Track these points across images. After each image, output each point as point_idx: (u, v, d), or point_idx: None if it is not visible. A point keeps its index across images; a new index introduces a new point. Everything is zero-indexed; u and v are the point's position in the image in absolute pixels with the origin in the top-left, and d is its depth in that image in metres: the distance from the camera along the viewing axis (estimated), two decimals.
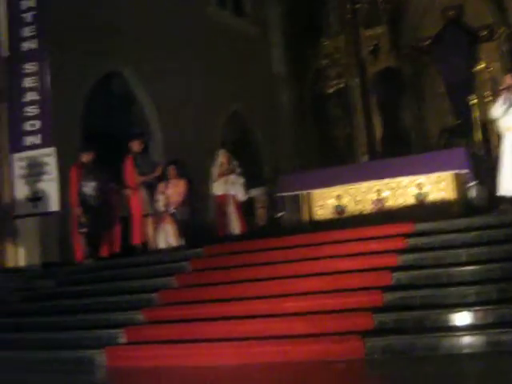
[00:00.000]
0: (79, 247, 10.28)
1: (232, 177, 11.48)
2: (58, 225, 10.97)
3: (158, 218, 10.74)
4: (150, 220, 10.81)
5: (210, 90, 15.22)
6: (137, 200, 10.90)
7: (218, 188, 11.54)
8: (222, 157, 11.73)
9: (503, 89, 9.43)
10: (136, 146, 11.14)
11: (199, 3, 15.82)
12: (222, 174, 11.54)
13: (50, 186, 10.51)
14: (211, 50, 15.62)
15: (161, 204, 10.84)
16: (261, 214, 13.22)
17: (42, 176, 10.56)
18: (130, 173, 10.93)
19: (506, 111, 9.25)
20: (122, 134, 12.73)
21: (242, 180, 11.50)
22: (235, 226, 11.44)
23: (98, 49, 12.37)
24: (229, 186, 11.46)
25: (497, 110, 9.42)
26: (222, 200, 11.52)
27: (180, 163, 11.19)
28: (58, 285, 9.74)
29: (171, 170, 10.98)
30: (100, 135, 12.52)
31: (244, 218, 11.62)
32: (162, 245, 10.71)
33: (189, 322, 7.52)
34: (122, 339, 7.56)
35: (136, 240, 10.85)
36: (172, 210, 10.71)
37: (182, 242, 10.61)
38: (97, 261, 10.29)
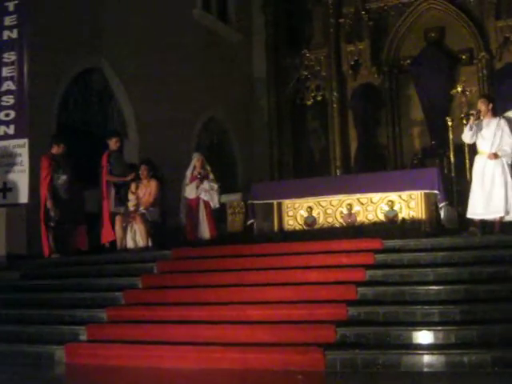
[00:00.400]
0: (47, 241, 10.16)
1: (205, 182, 11.42)
2: (26, 217, 10.84)
3: (127, 217, 10.67)
4: (118, 219, 10.72)
5: (188, 93, 15.20)
6: (108, 197, 10.85)
7: (190, 191, 11.48)
8: (195, 160, 11.69)
9: (471, 114, 9.50)
10: (112, 143, 11.08)
11: (185, 6, 15.82)
12: (194, 178, 11.50)
13: (21, 177, 10.35)
14: (193, 54, 15.63)
15: (131, 204, 10.78)
16: (233, 220, 13.19)
17: (13, 167, 10.40)
18: (104, 169, 10.87)
19: (473, 136, 9.31)
20: (98, 131, 12.70)
21: (216, 186, 11.46)
22: (205, 230, 11.40)
23: (79, 43, 12.31)
24: (201, 191, 11.41)
25: (466, 135, 9.49)
26: (194, 204, 11.47)
27: (152, 163, 11.13)
28: (23, 278, 9.61)
29: (143, 169, 10.89)
30: (75, 130, 12.46)
31: (215, 223, 11.58)
32: (130, 244, 10.64)
33: (152, 323, 7.49)
34: (83, 336, 7.51)
35: (104, 238, 10.77)
36: (142, 210, 10.65)
37: (150, 243, 10.55)
38: (64, 256, 10.19)
